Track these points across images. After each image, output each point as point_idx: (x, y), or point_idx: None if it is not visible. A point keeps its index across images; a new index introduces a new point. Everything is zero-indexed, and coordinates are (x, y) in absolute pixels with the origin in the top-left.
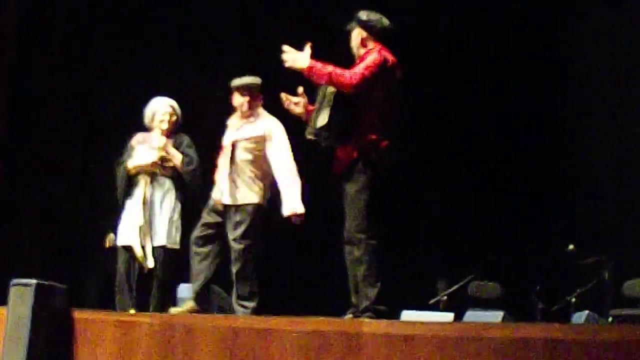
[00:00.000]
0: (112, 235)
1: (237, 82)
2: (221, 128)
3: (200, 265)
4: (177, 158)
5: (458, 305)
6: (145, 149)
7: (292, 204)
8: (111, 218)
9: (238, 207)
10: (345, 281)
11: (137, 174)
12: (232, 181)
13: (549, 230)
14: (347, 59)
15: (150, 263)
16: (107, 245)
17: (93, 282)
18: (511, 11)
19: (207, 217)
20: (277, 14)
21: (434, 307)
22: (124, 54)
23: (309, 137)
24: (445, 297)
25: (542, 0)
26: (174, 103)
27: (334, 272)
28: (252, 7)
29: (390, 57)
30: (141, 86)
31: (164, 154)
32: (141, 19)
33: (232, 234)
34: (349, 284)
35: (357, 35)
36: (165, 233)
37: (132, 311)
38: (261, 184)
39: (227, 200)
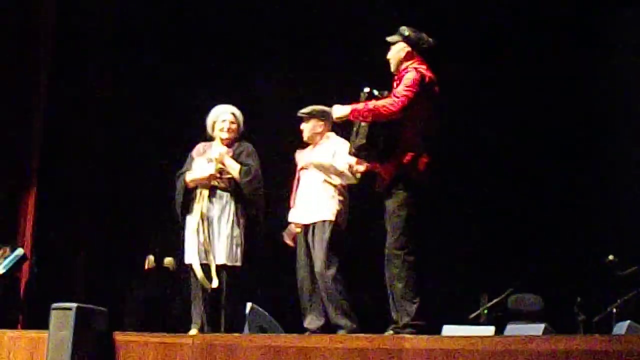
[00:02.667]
0: (151, 257)
1: (303, 110)
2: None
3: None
4: (234, 169)
5: (499, 318)
6: (203, 160)
7: None
8: (151, 240)
9: (314, 226)
10: (385, 298)
11: (196, 187)
12: (307, 202)
13: (589, 241)
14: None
15: (214, 283)
16: (147, 267)
17: (134, 304)
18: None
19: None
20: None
21: (475, 321)
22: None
23: (351, 156)
24: (485, 311)
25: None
26: (236, 110)
27: (375, 288)
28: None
29: (428, 74)
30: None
31: (220, 165)
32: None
33: (314, 256)
34: (389, 300)
35: (400, 49)
36: (224, 251)
37: (193, 331)
38: (335, 204)
39: (304, 220)
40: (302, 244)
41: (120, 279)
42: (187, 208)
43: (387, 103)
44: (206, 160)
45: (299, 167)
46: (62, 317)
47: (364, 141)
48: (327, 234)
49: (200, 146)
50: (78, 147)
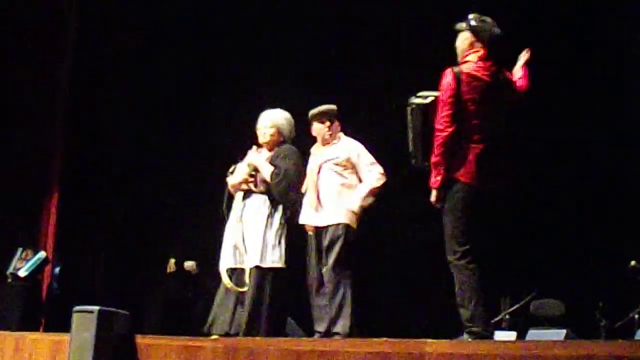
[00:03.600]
0: (172, 260)
1: (313, 111)
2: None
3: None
4: (266, 171)
5: (521, 323)
6: (243, 165)
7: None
8: (173, 243)
9: (327, 229)
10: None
11: (237, 191)
12: (320, 204)
13: (611, 247)
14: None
15: (244, 286)
16: (169, 270)
17: (155, 307)
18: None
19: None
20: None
21: (497, 326)
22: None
23: (415, 166)
24: (507, 316)
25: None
26: (276, 116)
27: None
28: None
29: (467, 71)
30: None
31: (250, 170)
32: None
33: (325, 258)
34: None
35: (464, 38)
36: (257, 253)
37: (214, 336)
38: (350, 206)
39: (318, 222)
40: (313, 246)
41: (142, 282)
42: (229, 212)
43: (436, 142)
44: (245, 166)
45: (314, 168)
46: (84, 320)
47: (411, 148)
48: (341, 237)
49: (250, 151)
50: (100, 151)
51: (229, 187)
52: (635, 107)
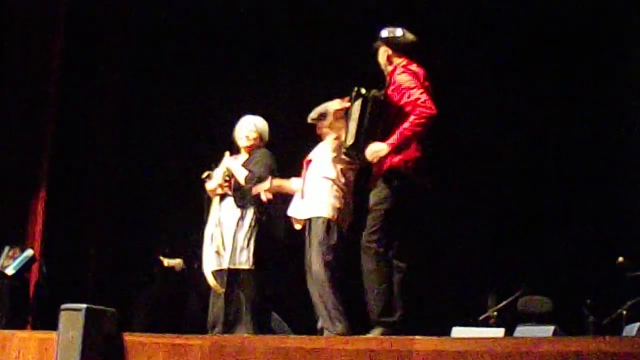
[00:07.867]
0: (162, 258)
1: (311, 116)
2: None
3: None
4: (240, 176)
5: (508, 320)
6: (219, 170)
7: None
8: (161, 242)
9: (310, 221)
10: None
11: (214, 196)
12: (306, 196)
13: (599, 243)
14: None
15: (221, 288)
16: (165, 266)
17: (143, 305)
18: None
19: None
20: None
21: (484, 323)
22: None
23: (345, 157)
24: (495, 313)
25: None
26: (258, 121)
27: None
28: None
29: (417, 70)
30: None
31: (225, 174)
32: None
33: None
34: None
35: (383, 52)
36: (229, 255)
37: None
38: (332, 200)
39: (300, 215)
40: (306, 241)
41: (130, 280)
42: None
43: (418, 116)
44: (221, 171)
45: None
46: (72, 318)
47: (352, 141)
48: (320, 232)
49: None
50: (87, 148)
51: (207, 192)
52: (631, 100)
